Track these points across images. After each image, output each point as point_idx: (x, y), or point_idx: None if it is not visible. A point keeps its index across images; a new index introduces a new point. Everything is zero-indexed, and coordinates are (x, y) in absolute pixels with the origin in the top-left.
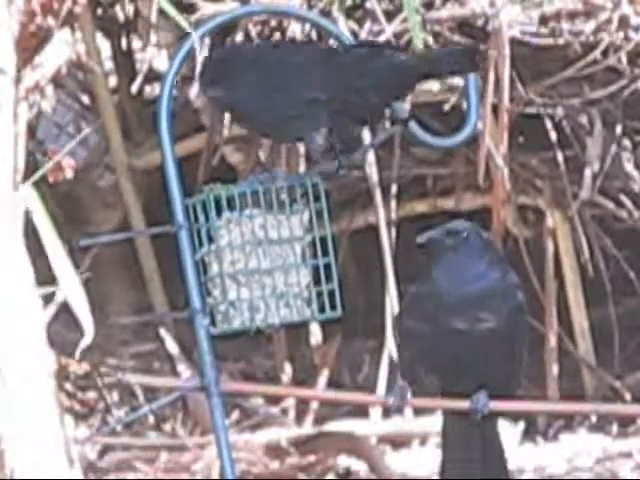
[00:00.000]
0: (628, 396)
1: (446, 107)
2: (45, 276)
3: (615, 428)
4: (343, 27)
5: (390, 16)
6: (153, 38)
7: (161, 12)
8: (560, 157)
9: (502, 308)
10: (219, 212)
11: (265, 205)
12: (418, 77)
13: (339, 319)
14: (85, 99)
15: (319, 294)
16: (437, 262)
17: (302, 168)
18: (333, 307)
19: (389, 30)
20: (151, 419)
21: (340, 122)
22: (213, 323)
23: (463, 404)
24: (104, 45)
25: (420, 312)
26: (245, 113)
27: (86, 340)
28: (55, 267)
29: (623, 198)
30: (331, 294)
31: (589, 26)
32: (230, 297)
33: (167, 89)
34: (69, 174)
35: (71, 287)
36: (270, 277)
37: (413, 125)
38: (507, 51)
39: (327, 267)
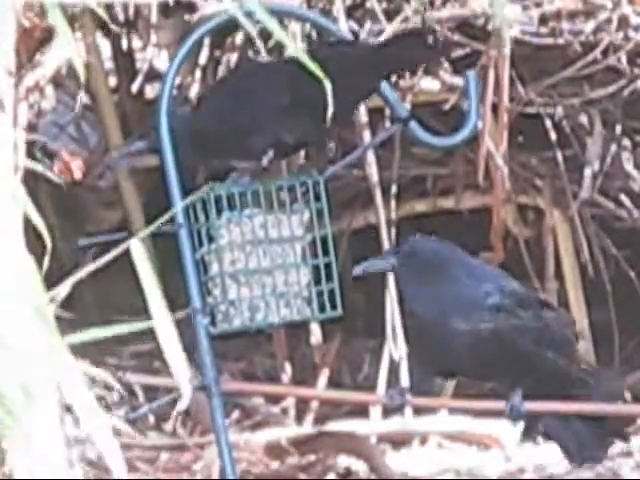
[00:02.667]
0: (628, 396)
1: (446, 107)
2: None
3: None
4: (343, 27)
5: (390, 16)
6: (153, 38)
7: (161, 12)
8: (560, 157)
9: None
10: (219, 211)
11: (265, 204)
12: (379, 76)
13: (339, 319)
14: (85, 99)
15: (319, 293)
16: (405, 290)
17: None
18: (333, 306)
19: (389, 30)
20: (151, 419)
21: (309, 127)
22: (213, 323)
23: (498, 405)
24: (104, 45)
25: (421, 343)
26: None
27: (182, 405)
28: (153, 313)
29: (623, 198)
30: (331, 293)
31: (589, 26)
32: (230, 296)
33: (167, 89)
34: (78, 175)
35: (166, 335)
36: (270, 276)
37: (413, 125)
38: (507, 51)
39: (327, 266)
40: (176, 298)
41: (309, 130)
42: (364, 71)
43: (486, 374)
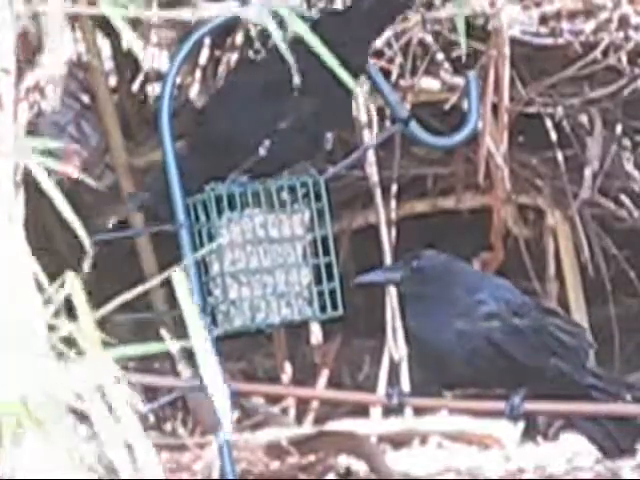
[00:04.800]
0: (628, 396)
1: (446, 106)
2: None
3: None
4: None
5: None
6: (153, 38)
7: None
8: (560, 157)
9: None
10: (220, 211)
11: (266, 204)
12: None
13: (339, 318)
14: (85, 99)
15: (320, 293)
16: (406, 308)
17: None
18: (334, 306)
19: (389, 30)
20: (151, 419)
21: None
22: (214, 323)
23: (498, 405)
24: (104, 45)
25: (420, 361)
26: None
27: (223, 438)
28: (199, 359)
29: (623, 198)
30: (332, 293)
31: (589, 26)
32: (231, 296)
33: (167, 89)
34: (75, 173)
35: (214, 381)
36: (271, 276)
37: (413, 124)
38: (507, 51)
39: (328, 266)
40: (176, 298)
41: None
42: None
43: (487, 384)
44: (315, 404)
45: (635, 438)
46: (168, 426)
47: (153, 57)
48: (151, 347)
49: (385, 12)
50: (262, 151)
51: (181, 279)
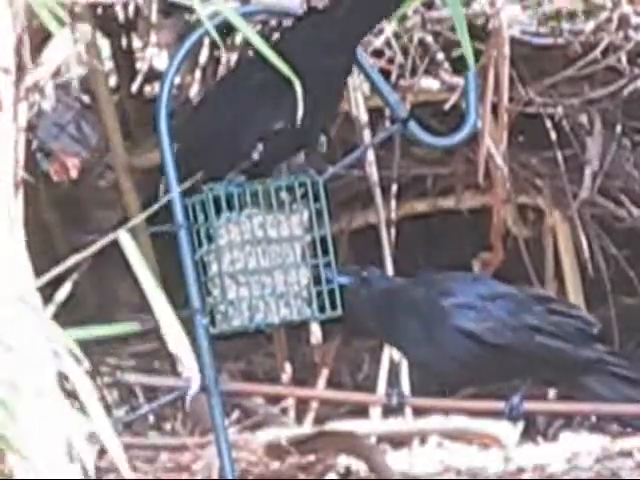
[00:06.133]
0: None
1: (446, 106)
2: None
3: (615, 428)
4: None
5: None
6: (153, 38)
7: (161, 11)
8: (560, 156)
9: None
10: (218, 212)
11: (264, 205)
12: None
13: (339, 318)
14: (85, 98)
15: (319, 293)
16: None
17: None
18: (333, 306)
19: (389, 29)
20: (151, 419)
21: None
22: (213, 323)
23: (497, 405)
24: (104, 45)
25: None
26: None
27: (193, 390)
28: (154, 308)
29: (623, 198)
30: (331, 293)
31: (589, 26)
32: (230, 297)
33: (166, 89)
34: (74, 173)
35: (171, 328)
36: (270, 277)
37: (413, 124)
38: (507, 50)
39: (327, 266)
40: (176, 298)
41: (294, 116)
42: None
43: (483, 380)
44: (315, 404)
45: None
46: (168, 426)
47: (152, 57)
48: (115, 328)
49: (368, 11)
50: (255, 155)
51: (129, 241)
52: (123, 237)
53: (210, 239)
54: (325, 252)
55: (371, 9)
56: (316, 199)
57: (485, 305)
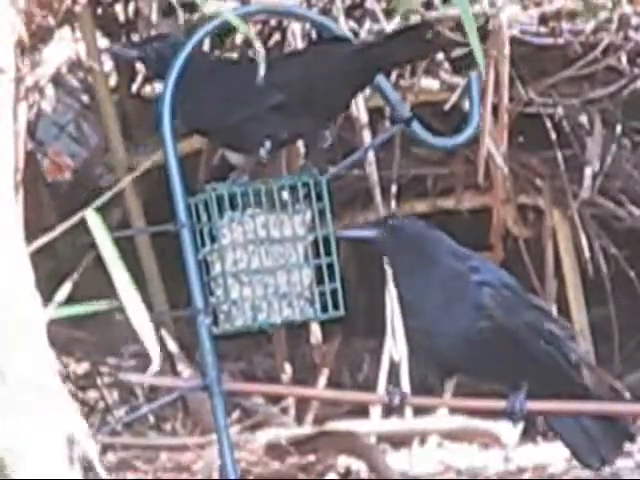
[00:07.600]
0: (628, 396)
1: (447, 107)
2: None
3: None
4: (343, 26)
5: (390, 15)
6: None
7: (161, 12)
8: (560, 156)
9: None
10: (221, 211)
11: (267, 204)
12: (376, 68)
13: (340, 318)
14: (85, 98)
15: (322, 293)
16: (392, 264)
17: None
18: (336, 306)
19: (389, 29)
20: (151, 419)
21: (303, 123)
22: (215, 323)
23: (498, 404)
24: (104, 45)
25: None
26: (204, 122)
27: (153, 368)
28: (121, 293)
29: (623, 198)
30: (334, 293)
31: (589, 26)
32: (232, 296)
33: (169, 88)
34: (67, 173)
35: (136, 312)
36: (272, 276)
37: (415, 125)
38: (507, 51)
39: (329, 266)
40: (176, 298)
41: (303, 124)
42: (358, 66)
43: (483, 363)
44: (315, 404)
45: (619, 444)
46: (168, 426)
47: None
48: (89, 307)
49: (363, 69)
50: (262, 152)
51: (96, 219)
52: (90, 215)
53: (213, 239)
54: (328, 252)
55: (403, 51)
56: (319, 199)
57: (503, 290)
